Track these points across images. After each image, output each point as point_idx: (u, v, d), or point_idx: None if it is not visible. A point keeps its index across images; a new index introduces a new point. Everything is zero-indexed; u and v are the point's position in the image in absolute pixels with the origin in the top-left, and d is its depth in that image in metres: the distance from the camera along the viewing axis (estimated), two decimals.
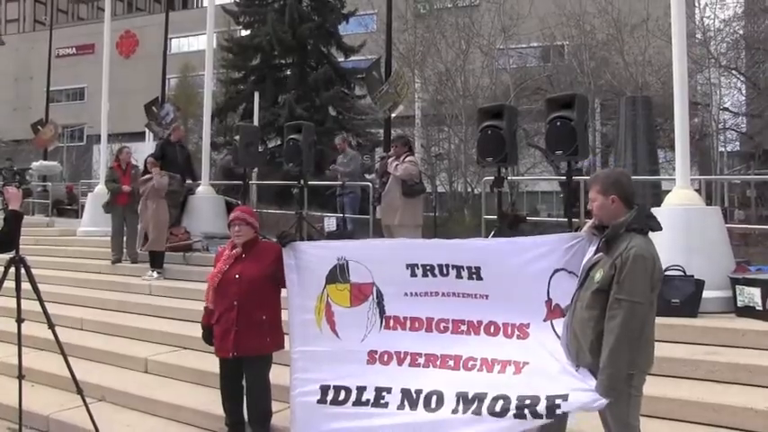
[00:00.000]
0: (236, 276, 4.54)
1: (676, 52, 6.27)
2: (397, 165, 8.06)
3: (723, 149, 23.52)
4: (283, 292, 4.51)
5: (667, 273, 5.12)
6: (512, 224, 7.36)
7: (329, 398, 4.10)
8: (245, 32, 27.61)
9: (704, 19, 20.18)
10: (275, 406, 4.70)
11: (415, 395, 3.89)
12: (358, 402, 4.02)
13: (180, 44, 44.26)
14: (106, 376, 6.19)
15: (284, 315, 4.63)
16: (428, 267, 4.06)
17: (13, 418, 5.13)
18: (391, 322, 4.14)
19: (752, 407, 4.24)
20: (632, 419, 3.28)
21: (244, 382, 4.63)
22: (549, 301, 3.79)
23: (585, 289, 3.37)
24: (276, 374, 4.70)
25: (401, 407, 3.89)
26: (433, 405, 3.80)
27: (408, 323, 4.12)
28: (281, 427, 4.59)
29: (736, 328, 5.27)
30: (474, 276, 3.96)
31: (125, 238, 9.82)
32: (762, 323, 5.31)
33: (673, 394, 4.47)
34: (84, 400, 4.92)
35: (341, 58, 26.42)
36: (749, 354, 4.95)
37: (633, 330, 3.16)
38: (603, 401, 3.21)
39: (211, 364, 5.03)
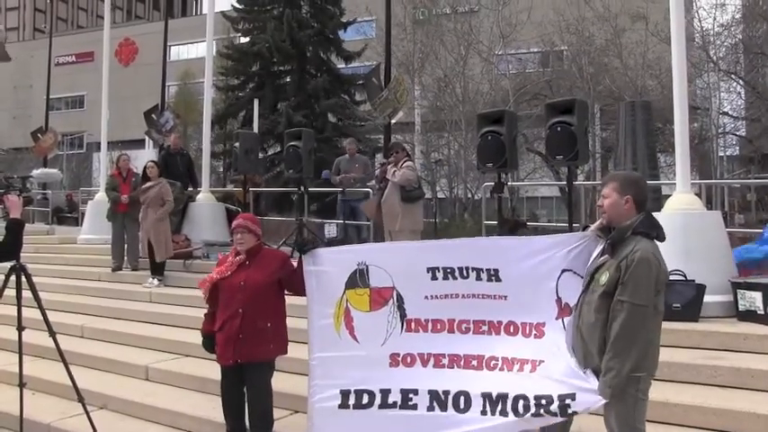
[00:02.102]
0: (241, 284, 4.52)
1: (676, 57, 6.27)
2: (395, 171, 8.08)
3: (723, 154, 23.58)
4: (298, 300, 4.49)
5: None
6: (512, 229, 7.35)
7: (351, 402, 4.06)
8: (244, 39, 27.67)
9: (702, 23, 20.25)
10: (277, 413, 4.68)
11: (443, 396, 3.88)
12: (384, 405, 3.99)
13: (179, 51, 44.31)
14: (107, 384, 6.17)
15: (289, 322, 4.65)
16: (449, 270, 4.05)
17: (14, 427, 5.11)
18: (413, 325, 4.12)
19: (754, 411, 4.23)
20: (638, 423, 3.27)
21: (245, 389, 4.61)
22: (558, 299, 3.80)
23: (592, 292, 3.37)
24: (278, 381, 4.69)
25: (431, 408, 3.87)
26: (462, 405, 3.81)
27: (430, 325, 4.10)
28: None
29: (737, 333, 5.25)
30: (493, 278, 3.97)
31: (125, 246, 9.82)
32: (763, 327, 5.29)
33: (675, 399, 4.46)
34: (85, 408, 4.92)
35: (340, 65, 26.47)
36: (751, 358, 4.93)
37: (634, 333, 3.15)
38: (604, 400, 3.23)
39: (212, 370, 5.02)
